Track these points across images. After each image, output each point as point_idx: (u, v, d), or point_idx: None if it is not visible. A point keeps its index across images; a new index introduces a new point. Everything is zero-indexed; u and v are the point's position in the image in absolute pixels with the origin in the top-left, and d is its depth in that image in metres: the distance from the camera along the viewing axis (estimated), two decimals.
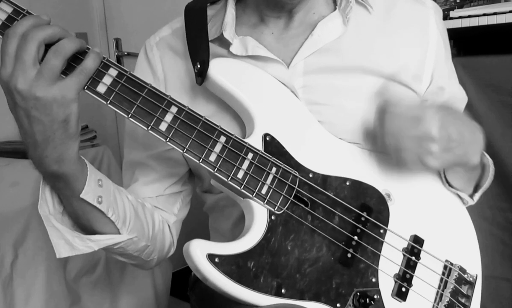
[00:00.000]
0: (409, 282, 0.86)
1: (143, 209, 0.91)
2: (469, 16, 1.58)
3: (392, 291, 0.85)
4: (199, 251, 0.75)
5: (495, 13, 1.55)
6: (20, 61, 0.68)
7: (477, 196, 0.96)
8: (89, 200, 0.78)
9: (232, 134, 0.79)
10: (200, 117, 0.77)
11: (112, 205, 0.82)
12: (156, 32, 0.98)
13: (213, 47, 0.84)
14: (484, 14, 1.56)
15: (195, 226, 1.10)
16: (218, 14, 0.93)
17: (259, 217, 0.79)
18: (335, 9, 0.91)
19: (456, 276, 0.90)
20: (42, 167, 0.76)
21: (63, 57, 0.70)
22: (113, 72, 0.75)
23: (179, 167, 0.96)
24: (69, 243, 0.81)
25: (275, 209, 0.80)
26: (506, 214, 1.62)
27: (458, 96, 1.02)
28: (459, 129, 0.78)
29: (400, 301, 0.85)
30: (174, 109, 0.76)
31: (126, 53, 2.56)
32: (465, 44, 1.67)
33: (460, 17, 1.60)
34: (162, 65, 0.94)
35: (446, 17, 1.61)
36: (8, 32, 0.70)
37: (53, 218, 0.81)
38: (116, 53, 2.56)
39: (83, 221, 0.82)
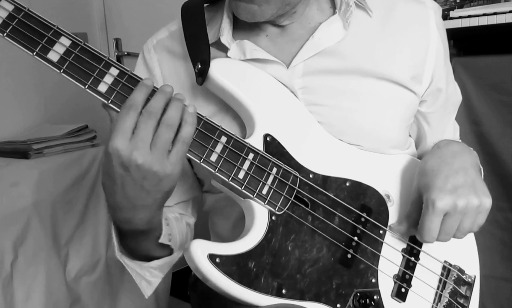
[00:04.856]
0: (408, 282, 0.86)
1: (178, 222, 0.95)
2: (469, 16, 1.58)
3: (392, 291, 0.85)
4: (200, 251, 0.75)
5: (495, 13, 1.55)
6: (141, 134, 0.70)
7: None
8: (165, 242, 0.85)
9: (233, 135, 0.79)
10: (202, 117, 0.77)
11: (172, 234, 0.88)
12: (153, 35, 0.98)
13: (212, 51, 0.84)
14: (484, 14, 1.57)
15: (196, 226, 1.10)
16: (215, 18, 0.93)
17: (259, 218, 0.79)
18: (333, 13, 0.90)
19: (454, 276, 0.90)
20: (128, 225, 0.79)
21: (175, 130, 0.72)
22: (114, 71, 0.75)
23: (186, 173, 0.98)
24: (146, 280, 0.90)
25: (276, 209, 0.80)
26: (506, 214, 1.62)
27: (453, 98, 1.03)
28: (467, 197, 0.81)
29: (399, 302, 0.85)
30: None
31: (126, 53, 2.56)
32: (465, 44, 1.67)
33: (460, 17, 1.60)
34: (160, 68, 0.94)
35: (446, 17, 1.61)
36: (126, 104, 0.71)
37: (125, 257, 0.86)
38: (116, 53, 2.56)
39: (142, 252, 0.86)
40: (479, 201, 0.81)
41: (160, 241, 0.84)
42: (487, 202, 0.82)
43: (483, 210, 0.82)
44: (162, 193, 0.75)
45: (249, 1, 0.81)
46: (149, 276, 0.89)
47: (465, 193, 0.80)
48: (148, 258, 0.87)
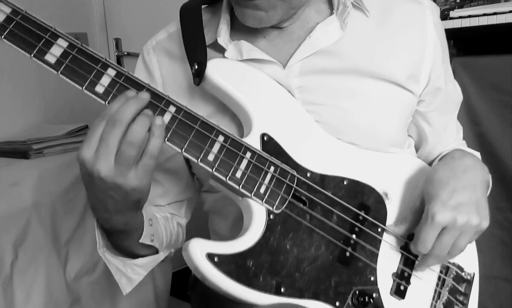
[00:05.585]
0: (407, 280, 0.86)
1: (167, 222, 0.97)
2: (469, 16, 1.58)
3: (391, 289, 0.85)
4: (199, 251, 0.75)
5: (495, 13, 1.55)
6: (104, 146, 0.69)
7: None
8: (146, 242, 0.86)
9: (231, 134, 0.79)
10: (199, 117, 0.77)
11: (156, 234, 0.89)
12: (153, 37, 0.98)
13: (209, 52, 0.85)
14: (484, 14, 1.57)
15: (195, 226, 1.10)
16: (213, 19, 0.93)
17: (257, 216, 0.80)
18: (331, 14, 0.90)
19: (453, 274, 0.91)
20: (107, 224, 0.81)
21: (138, 147, 0.69)
22: (111, 72, 0.75)
23: (181, 174, 0.99)
24: (127, 277, 0.89)
25: (274, 208, 0.80)
26: (506, 214, 1.62)
27: (453, 97, 1.02)
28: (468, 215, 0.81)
29: (398, 299, 0.85)
30: (172, 108, 0.76)
31: (126, 53, 2.56)
32: (465, 44, 1.68)
33: (460, 17, 1.60)
34: (159, 69, 0.94)
35: (446, 17, 1.61)
36: (102, 113, 0.70)
37: (107, 253, 0.86)
38: (116, 53, 2.56)
39: (127, 249, 0.88)
40: (479, 221, 0.82)
41: (141, 241, 0.85)
42: (485, 224, 0.83)
43: (479, 231, 0.83)
44: (132, 201, 0.75)
45: (255, 8, 0.82)
46: (131, 273, 0.89)
47: (467, 211, 0.81)
48: (133, 255, 0.88)
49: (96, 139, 0.69)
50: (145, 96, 0.72)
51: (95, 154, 0.69)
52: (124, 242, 0.85)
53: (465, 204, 0.81)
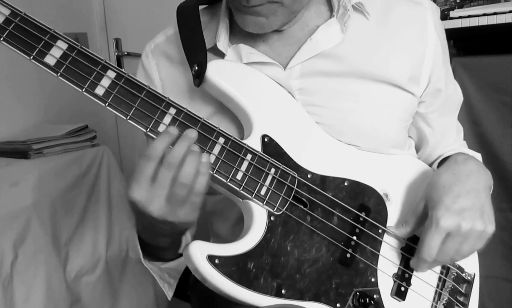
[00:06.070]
0: (408, 281, 0.86)
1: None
2: (469, 16, 1.58)
3: (392, 290, 0.85)
4: (199, 253, 0.75)
5: (495, 13, 1.55)
6: (157, 188, 0.70)
7: None
8: (181, 251, 0.89)
9: (231, 136, 0.79)
10: (199, 119, 0.77)
11: (187, 240, 0.92)
12: (151, 40, 0.98)
13: (208, 56, 0.85)
14: (484, 14, 1.56)
15: (196, 227, 1.10)
16: (212, 22, 0.93)
17: (258, 218, 0.79)
18: (331, 16, 0.90)
19: (454, 275, 0.90)
20: (150, 241, 0.84)
21: (190, 187, 0.71)
22: (111, 74, 0.75)
23: None
24: (167, 282, 0.94)
25: (274, 209, 0.80)
26: (506, 214, 1.62)
27: (453, 98, 1.02)
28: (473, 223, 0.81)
29: (399, 301, 0.85)
30: (172, 110, 0.76)
31: (126, 53, 2.56)
32: (465, 44, 1.67)
33: (460, 17, 1.59)
34: (158, 73, 0.94)
35: (446, 17, 1.61)
36: (147, 153, 0.71)
37: (147, 261, 0.89)
38: (116, 53, 2.56)
39: (157, 255, 0.90)
40: (483, 226, 0.81)
41: (180, 251, 0.89)
42: (491, 229, 0.82)
43: (485, 236, 0.82)
44: (179, 230, 0.78)
45: (256, 14, 0.81)
46: (168, 278, 0.93)
47: (471, 216, 0.80)
48: (159, 258, 0.90)
49: (146, 179, 0.70)
50: (193, 135, 0.73)
51: (147, 194, 0.70)
52: (159, 252, 0.87)
53: (469, 209, 0.81)
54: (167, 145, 0.71)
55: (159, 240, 0.81)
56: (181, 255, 0.90)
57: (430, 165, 0.99)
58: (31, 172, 1.75)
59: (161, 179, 0.69)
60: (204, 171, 0.72)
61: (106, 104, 0.74)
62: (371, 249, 0.84)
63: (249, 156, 0.79)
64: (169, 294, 0.94)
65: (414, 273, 0.87)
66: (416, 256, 0.83)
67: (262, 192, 0.79)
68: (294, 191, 0.81)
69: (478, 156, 1.04)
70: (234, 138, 0.79)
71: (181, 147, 0.71)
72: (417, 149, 1.03)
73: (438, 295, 0.89)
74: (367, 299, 0.82)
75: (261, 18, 0.82)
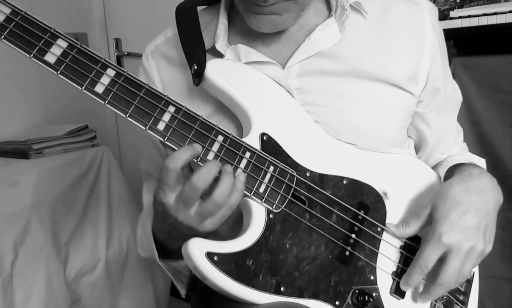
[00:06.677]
0: None
1: None
2: (469, 16, 1.58)
3: (391, 288, 0.85)
4: (198, 250, 0.75)
5: (495, 13, 1.54)
6: (184, 199, 0.72)
7: None
8: None
9: (230, 134, 0.79)
10: (198, 117, 0.78)
11: None
12: (151, 42, 0.99)
13: (207, 57, 0.85)
14: (484, 14, 1.56)
15: None
16: (210, 23, 0.93)
17: (257, 216, 0.80)
18: (329, 15, 0.90)
19: None
20: (167, 244, 0.88)
21: (221, 206, 0.73)
22: (111, 72, 0.75)
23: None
24: (180, 280, 0.98)
25: (273, 207, 0.80)
26: (506, 214, 1.61)
27: (452, 98, 1.02)
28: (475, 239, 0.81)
29: (398, 299, 0.85)
30: (172, 108, 0.77)
31: (126, 53, 2.56)
32: (465, 44, 1.67)
33: (460, 17, 1.59)
34: (159, 74, 0.95)
35: (446, 17, 1.61)
36: (168, 166, 0.72)
37: (161, 261, 0.92)
38: (116, 53, 2.56)
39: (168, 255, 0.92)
40: (483, 246, 0.81)
41: None
42: (488, 249, 0.83)
43: (482, 255, 0.83)
44: (199, 234, 0.78)
45: (270, 12, 0.81)
46: (179, 275, 0.96)
47: (474, 235, 0.80)
48: (168, 256, 0.91)
49: (172, 189, 0.73)
50: (230, 169, 0.75)
51: (178, 201, 0.73)
52: (174, 253, 0.88)
53: (473, 228, 0.80)
54: (211, 180, 0.73)
55: (176, 244, 0.81)
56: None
57: (432, 166, 0.99)
58: (31, 172, 1.75)
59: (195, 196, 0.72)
60: (240, 188, 0.74)
61: (106, 102, 0.75)
62: (370, 247, 0.85)
63: (248, 154, 0.79)
64: (183, 292, 0.98)
65: None
66: (412, 266, 0.83)
67: (261, 190, 0.80)
68: (292, 188, 0.81)
69: (483, 162, 1.04)
70: (233, 136, 0.79)
71: (223, 188, 0.73)
72: (417, 150, 1.03)
73: None
74: (366, 297, 0.82)
75: (276, 16, 0.82)
